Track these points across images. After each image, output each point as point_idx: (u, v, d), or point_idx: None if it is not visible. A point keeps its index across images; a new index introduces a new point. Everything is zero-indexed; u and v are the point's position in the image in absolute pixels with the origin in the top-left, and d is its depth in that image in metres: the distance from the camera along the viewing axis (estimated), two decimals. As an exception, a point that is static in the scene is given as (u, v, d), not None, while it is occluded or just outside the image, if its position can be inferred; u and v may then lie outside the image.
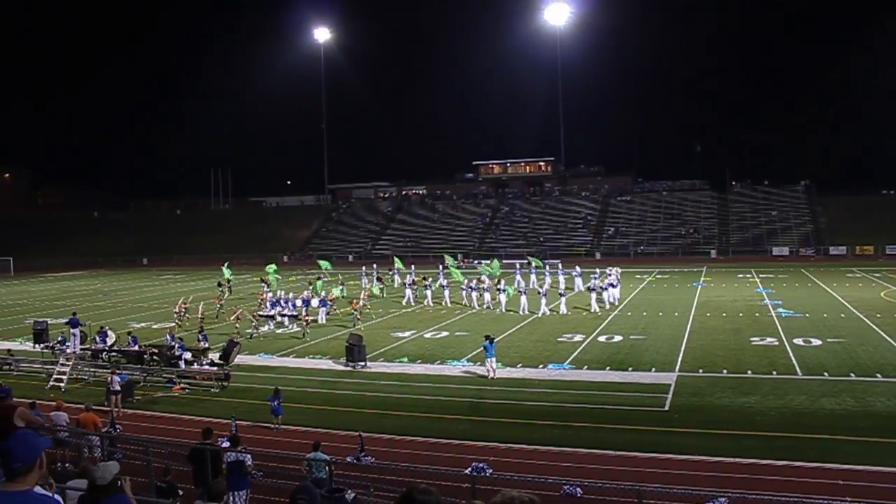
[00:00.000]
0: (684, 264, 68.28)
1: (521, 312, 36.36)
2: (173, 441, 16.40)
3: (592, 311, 36.41)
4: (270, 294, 37.22)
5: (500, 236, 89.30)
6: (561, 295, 37.65)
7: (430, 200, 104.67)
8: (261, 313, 34.76)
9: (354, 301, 35.66)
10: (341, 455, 15.46)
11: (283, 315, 34.77)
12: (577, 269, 47.08)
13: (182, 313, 35.26)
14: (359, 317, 34.04)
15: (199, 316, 34.38)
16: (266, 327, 33.68)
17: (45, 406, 17.73)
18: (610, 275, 41.13)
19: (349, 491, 12.24)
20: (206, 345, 26.71)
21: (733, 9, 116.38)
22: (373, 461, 15.33)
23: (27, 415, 10.93)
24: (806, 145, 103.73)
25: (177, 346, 25.82)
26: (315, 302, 36.27)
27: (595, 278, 40.19)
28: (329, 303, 37.02)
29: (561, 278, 45.93)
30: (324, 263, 47.97)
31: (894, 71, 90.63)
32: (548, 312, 36.01)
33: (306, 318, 32.86)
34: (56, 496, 4.14)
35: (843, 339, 27.64)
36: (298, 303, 35.23)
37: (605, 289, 38.91)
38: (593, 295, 37.61)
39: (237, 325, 32.46)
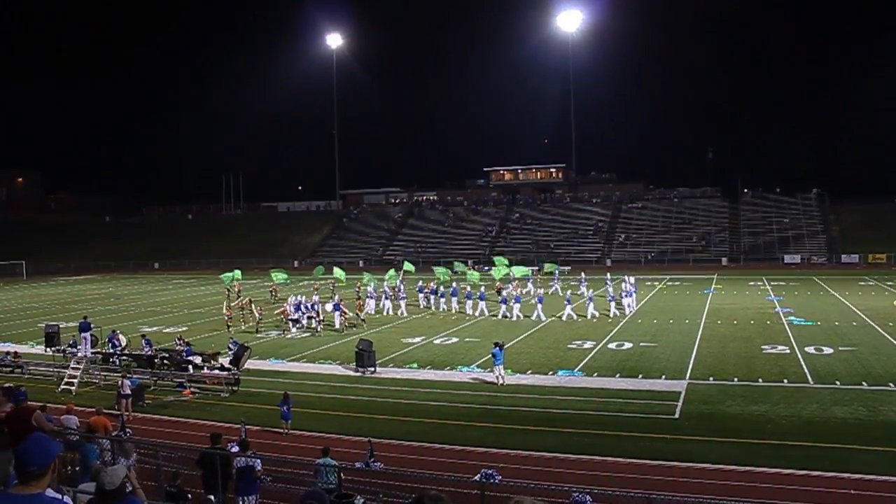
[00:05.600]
0: (695, 271, 68.04)
1: (534, 318, 36.41)
2: (183, 445, 16.44)
3: (589, 316, 36.57)
4: (294, 298, 37.62)
5: (511, 242, 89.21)
6: (567, 302, 37.63)
7: (440, 206, 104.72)
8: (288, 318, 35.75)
9: (359, 303, 37.94)
10: (351, 461, 15.46)
11: (311, 318, 35.59)
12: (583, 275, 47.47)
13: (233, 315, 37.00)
14: (362, 319, 36.04)
15: (258, 316, 36.22)
16: (294, 331, 34.50)
17: (55, 410, 17.80)
18: (608, 284, 41.25)
19: (358, 497, 12.24)
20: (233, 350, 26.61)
21: (745, 17, 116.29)
22: (382, 467, 15.33)
23: (41, 419, 11.00)
24: (818, 153, 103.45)
25: (184, 351, 25.94)
26: (329, 306, 36.57)
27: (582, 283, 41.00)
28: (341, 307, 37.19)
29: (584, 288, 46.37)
30: (338, 272, 48.21)
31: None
32: (543, 318, 36.32)
33: (353, 311, 36.21)
34: (66, 498, 4.16)
35: (855, 348, 27.47)
36: (328, 307, 36.49)
37: (612, 299, 38.75)
38: (590, 304, 37.48)
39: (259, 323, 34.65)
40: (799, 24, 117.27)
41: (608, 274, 51.74)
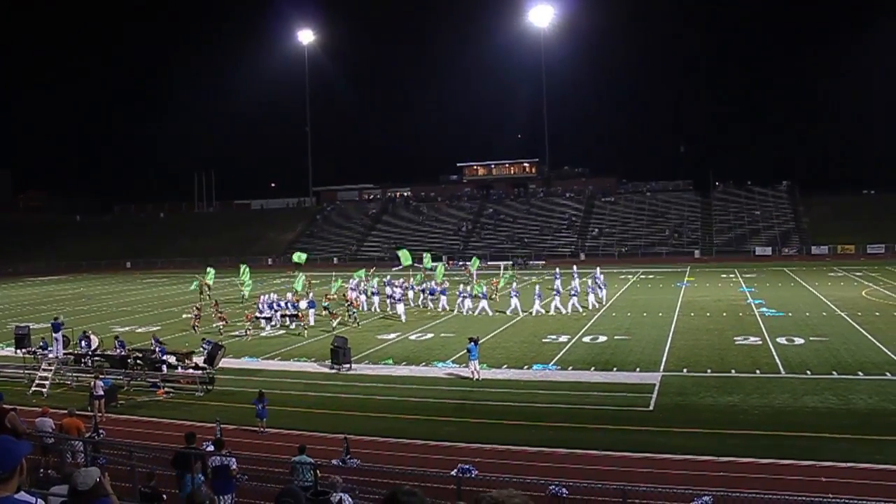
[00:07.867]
0: (668, 264, 68.62)
1: (508, 313, 36.58)
2: (157, 445, 16.31)
3: (560, 310, 36.81)
4: (266, 297, 37.32)
5: (485, 238, 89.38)
6: (556, 294, 37.75)
7: (414, 202, 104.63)
8: (258, 315, 35.50)
9: (351, 298, 37.58)
10: (327, 458, 15.42)
11: (285, 315, 35.51)
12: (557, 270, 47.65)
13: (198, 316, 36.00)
14: (346, 319, 35.34)
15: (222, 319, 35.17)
16: (268, 329, 34.39)
17: (29, 412, 17.56)
18: (575, 279, 41.67)
19: (334, 493, 12.20)
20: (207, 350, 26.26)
21: (716, 10, 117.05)
22: (358, 463, 15.32)
23: (16, 420, 10.85)
24: (788, 146, 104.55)
25: (157, 349, 25.69)
26: (303, 304, 36.36)
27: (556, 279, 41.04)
28: (316, 303, 36.98)
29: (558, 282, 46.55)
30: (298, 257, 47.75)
31: (876, 72, 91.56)
32: (519, 312, 36.53)
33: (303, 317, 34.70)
34: (40, 501, 4.11)
35: (825, 338, 27.87)
36: (302, 304, 36.19)
37: (589, 291, 38.97)
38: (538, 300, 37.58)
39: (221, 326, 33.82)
40: (770, 19, 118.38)
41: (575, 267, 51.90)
